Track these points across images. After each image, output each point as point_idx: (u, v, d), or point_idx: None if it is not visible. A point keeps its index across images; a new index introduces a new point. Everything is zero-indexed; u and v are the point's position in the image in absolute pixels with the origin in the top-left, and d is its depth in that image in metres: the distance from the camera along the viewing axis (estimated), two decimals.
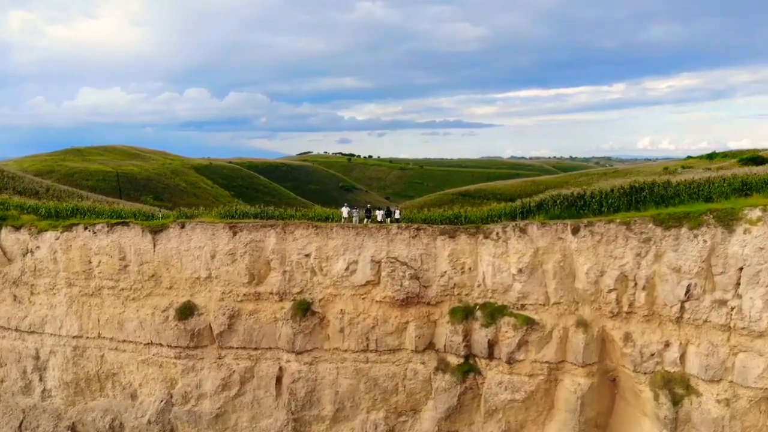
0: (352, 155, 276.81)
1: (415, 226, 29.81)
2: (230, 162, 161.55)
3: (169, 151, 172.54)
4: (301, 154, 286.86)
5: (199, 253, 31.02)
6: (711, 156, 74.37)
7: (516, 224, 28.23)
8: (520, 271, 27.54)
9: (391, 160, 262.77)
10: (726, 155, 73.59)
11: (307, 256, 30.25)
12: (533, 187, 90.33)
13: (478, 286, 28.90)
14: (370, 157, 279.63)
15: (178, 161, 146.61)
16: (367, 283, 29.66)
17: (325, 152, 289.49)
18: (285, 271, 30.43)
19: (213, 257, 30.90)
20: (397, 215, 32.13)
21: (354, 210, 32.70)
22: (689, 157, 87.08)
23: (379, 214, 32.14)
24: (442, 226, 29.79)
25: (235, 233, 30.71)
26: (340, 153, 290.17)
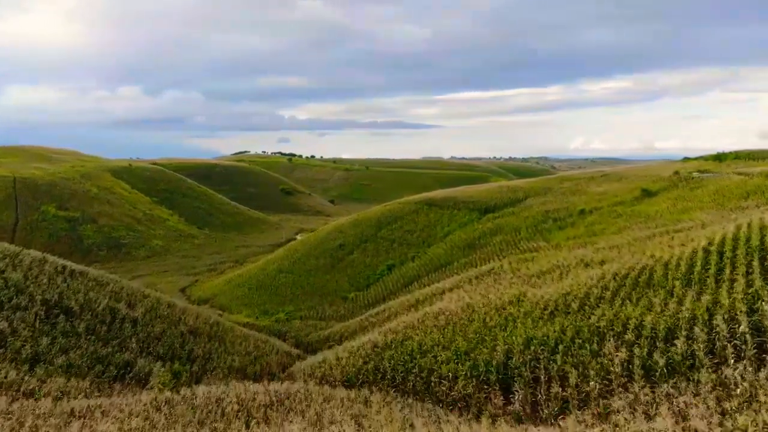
0: (293, 155, 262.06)
1: None
2: (154, 163, 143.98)
3: (84, 152, 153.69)
4: (236, 153, 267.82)
5: None
6: (719, 157, 70.05)
7: None
8: None
9: (335, 160, 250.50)
10: (738, 156, 68.67)
11: None
12: (510, 194, 78.92)
13: None
14: (312, 157, 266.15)
15: (93, 163, 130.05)
16: None
17: (264, 152, 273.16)
18: None
19: None
20: None
21: None
22: (686, 159, 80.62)
23: None
24: None
25: None
26: (280, 153, 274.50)
